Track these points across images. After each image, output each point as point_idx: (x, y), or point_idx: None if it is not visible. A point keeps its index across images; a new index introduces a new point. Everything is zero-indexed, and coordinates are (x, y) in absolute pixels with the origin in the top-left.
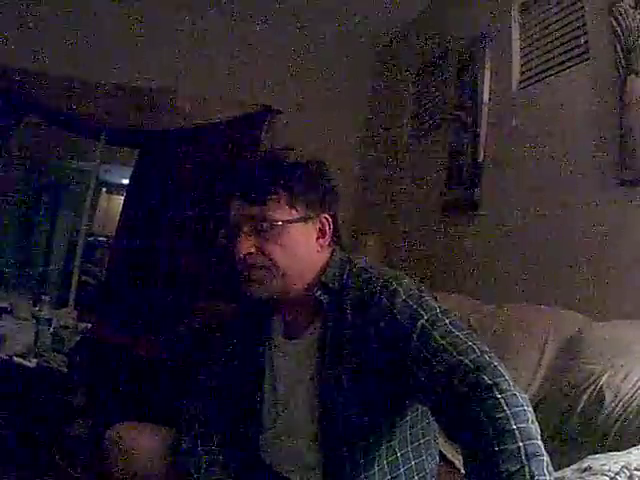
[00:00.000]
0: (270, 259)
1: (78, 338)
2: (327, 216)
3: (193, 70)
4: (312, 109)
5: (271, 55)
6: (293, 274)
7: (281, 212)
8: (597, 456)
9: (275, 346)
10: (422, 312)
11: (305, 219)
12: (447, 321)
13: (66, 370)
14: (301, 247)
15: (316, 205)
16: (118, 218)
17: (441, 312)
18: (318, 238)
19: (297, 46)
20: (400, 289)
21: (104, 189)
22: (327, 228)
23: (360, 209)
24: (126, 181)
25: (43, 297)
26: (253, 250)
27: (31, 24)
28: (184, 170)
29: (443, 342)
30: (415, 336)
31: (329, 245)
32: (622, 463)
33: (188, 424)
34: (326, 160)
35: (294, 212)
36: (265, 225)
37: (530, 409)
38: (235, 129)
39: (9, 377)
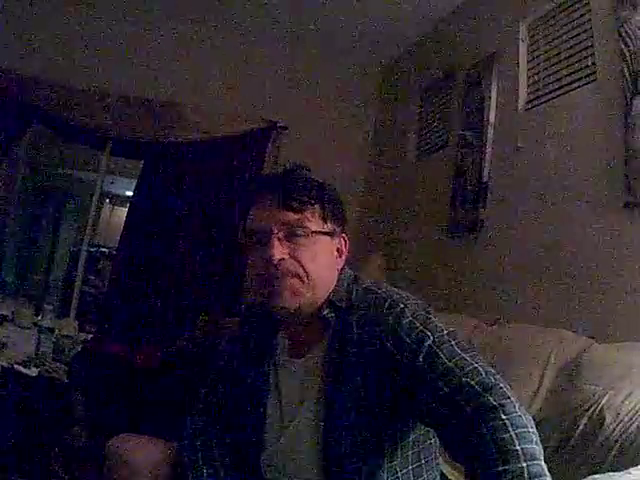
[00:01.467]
0: (302, 266)
1: (79, 348)
2: (344, 236)
3: (200, 84)
4: (318, 126)
5: (278, 72)
6: (321, 285)
7: (315, 223)
8: (597, 476)
9: (280, 364)
10: (428, 333)
11: (332, 234)
12: (453, 342)
13: (66, 380)
14: (327, 260)
15: (339, 224)
16: (121, 230)
17: (447, 333)
18: (337, 257)
19: (304, 63)
20: (407, 310)
21: (108, 200)
22: (344, 248)
23: (364, 228)
24: (130, 193)
25: (45, 306)
26: (286, 256)
27: (39, 33)
28: (188, 183)
29: (449, 363)
30: (421, 357)
31: (342, 265)
32: None
33: (190, 438)
34: (331, 178)
35: (325, 226)
36: (300, 232)
37: (534, 430)
38: (240, 144)
39: (10, 385)
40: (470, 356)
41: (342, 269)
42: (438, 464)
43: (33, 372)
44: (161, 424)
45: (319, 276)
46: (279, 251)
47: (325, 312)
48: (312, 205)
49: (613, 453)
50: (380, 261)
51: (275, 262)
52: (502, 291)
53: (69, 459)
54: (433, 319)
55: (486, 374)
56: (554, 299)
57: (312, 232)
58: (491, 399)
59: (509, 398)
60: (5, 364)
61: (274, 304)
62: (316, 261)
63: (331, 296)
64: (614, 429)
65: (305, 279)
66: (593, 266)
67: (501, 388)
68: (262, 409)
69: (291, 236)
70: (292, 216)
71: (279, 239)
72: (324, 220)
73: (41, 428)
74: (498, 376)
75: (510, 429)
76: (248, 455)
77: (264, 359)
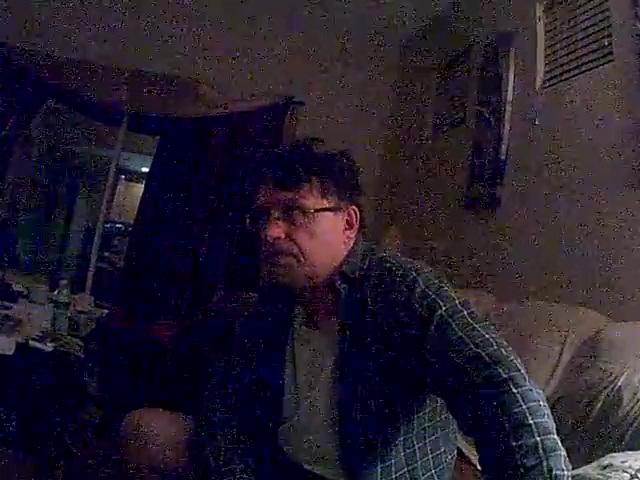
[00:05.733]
0: (298, 246)
1: (94, 324)
2: (355, 208)
3: (217, 59)
4: (335, 102)
5: (296, 47)
6: (318, 263)
7: (313, 200)
8: (617, 454)
9: (296, 336)
10: (440, 303)
11: (335, 209)
12: (465, 313)
13: (82, 355)
14: (329, 237)
15: (346, 196)
16: (137, 206)
17: (460, 303)
18: (345, 229)
19: (322, 39)
20: (419, 279)
21: (123, 177)
22: (354, 220)
23: (382, 202)
24: (145, 169)
25: (61, 282)
26: (282, 236)
27: (54, 8)
28: (204, 159)
29: (460, 334)
30: (432, 327)
31: (354, 237)
32: None
33: (208, 413)
34: (346, 151)
35: (325, 201)
36: (296, 211)
37: (545, 404)
38: (257, 120)
39: (25, 361)
40: (482, 327)
41: (356, 240)
42: (456, 438)
43: (48, 347)
44: (178, 399)
45: (317, 254)
46: (275, 231)
47: (337, 284)
48: (309, 181)
49: (630, 431)
50: (397, 235)
51: (270, 241)
52: (519, 268)
53: (84, 435)
54: (446, 288)
55: (497, 346)
56: (571, 276)
57: (309, 210)
58: (501, 371)
59: (519, 371)
60: (20, 340)
61: (270, 279)
62: (314, 239)
63: (343, 267)
64: (632, 407)
65: (301, 258)
66: (610, 244)
67: (511, 361)
68: (279, 381)
69: (288, 215)
70: (287, 195)
71: (275, 219)
72: (324, 196)
73: (56, 404)
74: (510, 348)
75: (522, 403)
76: (266, 429)
77: (281, 331)
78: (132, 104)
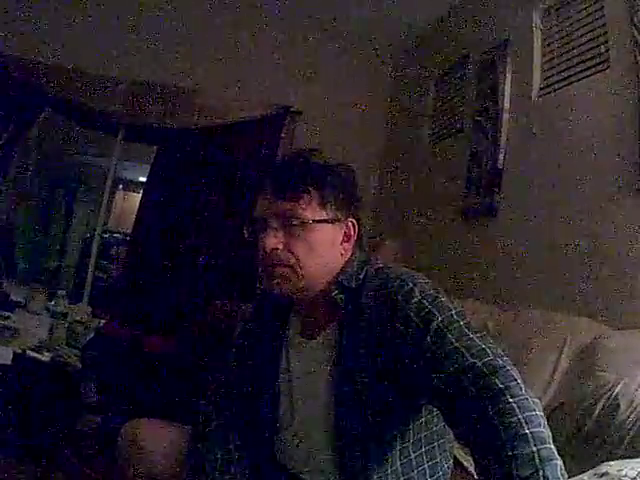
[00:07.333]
0: (295, 257)
1: (92, 334)
2: (353, 220)
3: (214, 69)
4: (332, 111)
5: (292, 56)
6: (315, 274)
7: (311, 211)
8: (613, 462)
9: (292, 345)
10: (436, 313)
11: (333, 221)
12: (461, 323)
13: (80, 365)
14: (326, 248)
15: (344, 208)
16: (135, 215)
17: (456, 313)
18: (343, 241)
19: (318, 48)
20: (415, 289)
21: (121, 186)
22: (352, 232)
23: (379, 212)
24: (143, 179)
25: (58, 292)
26: (280, 246)
27: (51, 18)
28: (202, 169)
29: (456, 344)
30: (429, 337)
31: (352, 249)
32: (639, 469)
33: (204, 422)
34: (345, 162)
35: (324, 213)
36: (294, 222)
37: (541, 413)
38: (255, 129)
39: (22, 371)
40: (478, 337)
41: (353, 252)
42: (452, 447)
43: (46, 357)
44: (174, 409)
45: (314, 265)
46: (272, 241)
47: (334, 293)
48: (308, 192)
49: (627, 439)
50: (395, 246)
51: (268, 251)
52: (517, 277)
53: (81, 445)
54: (442, 298)
55: (493, 355)
56: (569, 285)
57: (307, 221)
58: (497, 381)
59: (515, 380)
60: (18, 350)
61: (267, 288)
62: (312, 251)
63: (339, 278)
64: (628, 416)
65: (297, 269)
66: (608, 252)
67: (507, 370)
68: (274, 391)
69: (285, 226)
70: (286, 205)
71: (274, 229)
72: (323, 207)
73: (54, 413)
74: (506, 358)
75: (517, 412)
76: (262, 438)
77: (277, 341)
78: (129, 114)
